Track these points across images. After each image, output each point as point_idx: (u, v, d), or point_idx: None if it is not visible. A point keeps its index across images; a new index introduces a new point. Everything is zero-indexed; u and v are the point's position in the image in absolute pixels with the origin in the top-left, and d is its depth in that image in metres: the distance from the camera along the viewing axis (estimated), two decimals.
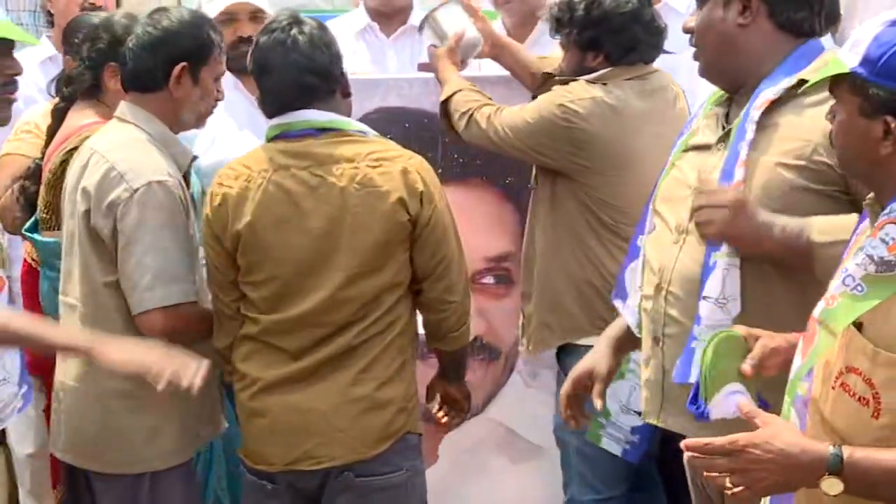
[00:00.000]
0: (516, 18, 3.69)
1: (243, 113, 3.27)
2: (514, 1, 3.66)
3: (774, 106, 2.15)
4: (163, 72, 2.46)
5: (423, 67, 3.32)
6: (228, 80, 3.21)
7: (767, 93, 2.15)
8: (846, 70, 1.65)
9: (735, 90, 2.23)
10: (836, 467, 1.57)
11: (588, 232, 2.88)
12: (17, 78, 2.37)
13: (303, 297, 2.38)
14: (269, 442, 2.42)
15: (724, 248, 2.14)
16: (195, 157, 2.60)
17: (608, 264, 2.84)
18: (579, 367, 2.45)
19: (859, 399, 1.62)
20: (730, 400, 1.87)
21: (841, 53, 1.69)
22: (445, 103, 2.99)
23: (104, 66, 2.75)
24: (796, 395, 1.72)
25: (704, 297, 2.15)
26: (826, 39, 2.96)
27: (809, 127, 2.11)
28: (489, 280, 3.27)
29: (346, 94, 2.49)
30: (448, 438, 3.27)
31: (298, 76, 2.39)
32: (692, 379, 2.12)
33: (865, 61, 1.64)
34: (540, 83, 3.00)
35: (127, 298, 2.40)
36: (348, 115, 2.51)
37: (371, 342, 2.40)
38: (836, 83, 1.70)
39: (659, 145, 2.73)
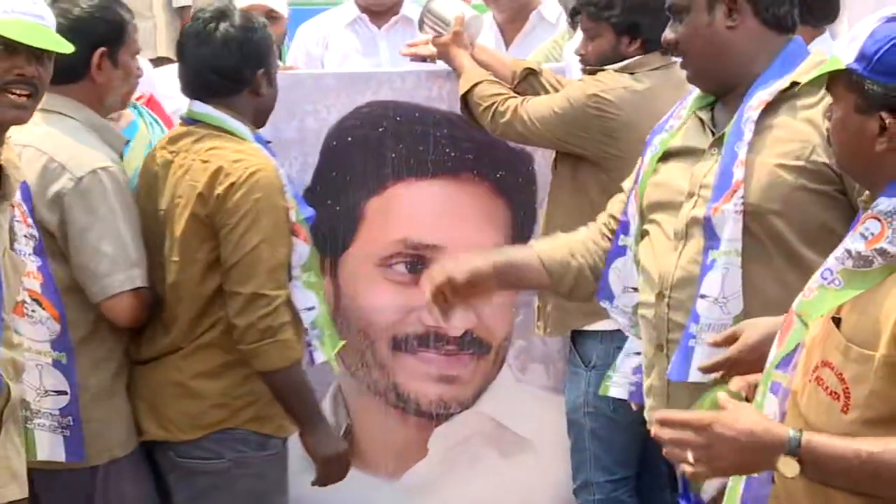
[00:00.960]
0: (507, 14, 3.76)
1: None
2: None
3: (768, 108, 2.16)
4: (82, 60, 2.42)
5: (416, 59, 3.32)
6: None
7: (762, 94, 2.17)
8: (843, 66, 1.64)
9: (725, 93, 2.24)
10: (795, 449, 1.60)
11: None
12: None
13: (159, 281, 2.48)
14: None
15: (723, 246, 2.16)
16: (128, 141, 2.62)
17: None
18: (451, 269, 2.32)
19: (831, 393, 1.64)
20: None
21: (838, 50, 1.69)
22: (465, 96, 3.00)
23: None
24: (774, 383, 1.75)
25: (702, 296, 2.16)
26: (824, 39, 2.99)
27: (806, 128, 2.13)
28: None
29: (257, 94, 2.54)
30: (438, 432, 3.28)
31: (201, 70, 2.50)
32: (691, 378, 2.15)
33: (861, 57, 1.63)
34: (520, 78, 3.02)
35: (87, 289, 2.40)
36: (258, 115, 2.58)
37: (198, 337, 2.47)
38: (834, 80, 1.70)
39: None
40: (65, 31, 2.33)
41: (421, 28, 3.20)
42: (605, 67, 2.86)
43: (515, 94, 2.96)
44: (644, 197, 2.32)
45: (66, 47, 2.23)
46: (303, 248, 2.51)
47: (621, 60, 2.86)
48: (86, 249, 2.38)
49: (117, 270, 2.39)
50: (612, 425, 2.96)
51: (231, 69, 2.48)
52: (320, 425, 2.55)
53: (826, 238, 2.11)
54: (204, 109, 2.50)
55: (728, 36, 2.21)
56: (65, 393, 2.34)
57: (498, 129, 2.95)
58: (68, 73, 2.40)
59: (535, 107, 2.89)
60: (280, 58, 4.12)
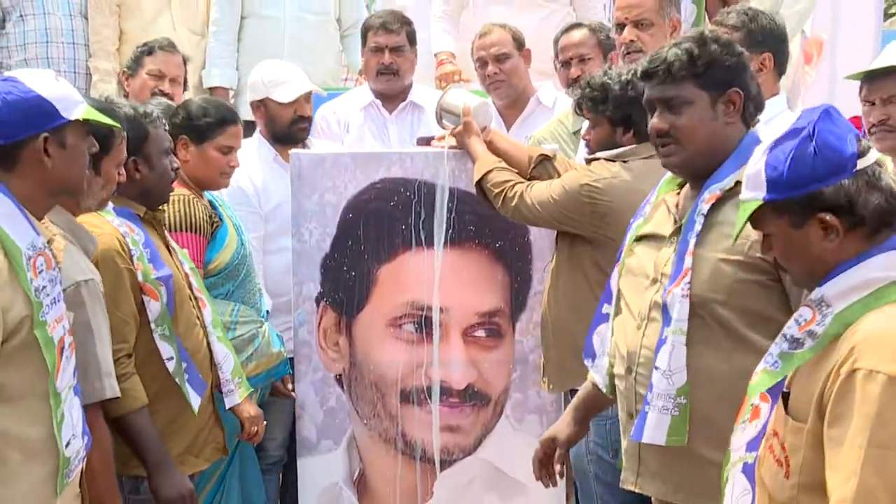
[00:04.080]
0: (506, 101, 3.86)
1: (280, 181, 3.51)
2: (503, 87, 3.83)
3: (717, 203, 2.23)
4: None
5: (421, 142, 3.45)
6: (269, 152, 3.39)
7: (714, 189, 2.23)
8: (759, 203, 1.72)
9: (699, 181, 2.29)
10: None
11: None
12: None
13: None
14: None
15: (672, 325, 2.22)
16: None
17: None
18: (546, 434, 2.66)
19: (777, 460, 1.72)
20: None
21: (744, 195, 1.77)
22: (479, 182, 3.06)
23: (177, 139, 3.00)
24: (744, 464, 1.82)
25: (656, 367, 2.25)
26: (780, 100, 3.04)
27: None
28: (481, 333, 3.30)
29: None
30: (442, 477, 3.33)
31: None
32: (643, 440, 2.27)
33: (773, 186, 1.71)
34: (536, 163, 3.08)
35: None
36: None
37: None
38: (758, 218, 1.75)
39: None
40: None
41: (440, 123, 3.29)
42: (599, 156, 2.93)
43: (523, 180, 3.02)
44: (621, 277, 2.41)
45: (114, 123, 2.31)
46: (154, 306, 2.55)
47: (618, 147, 2.92)
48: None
49: (85, 383, 2.25)
50: (613, 470, 2.89)
51: None
52: (164, 469, 2.52)
53: (765, 321, 2.18)
54: None
55: (726, 132, 2.27)
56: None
57: (509, 213, 3.01)
58: None
59: (537, 192, 2.95)
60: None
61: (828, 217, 1.69)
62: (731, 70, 2.26)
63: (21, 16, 4.39)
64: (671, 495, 2.32)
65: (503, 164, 3.08)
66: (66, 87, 2.17)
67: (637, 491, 2.39)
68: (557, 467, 2.61)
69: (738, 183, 2.17)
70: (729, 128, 2.27)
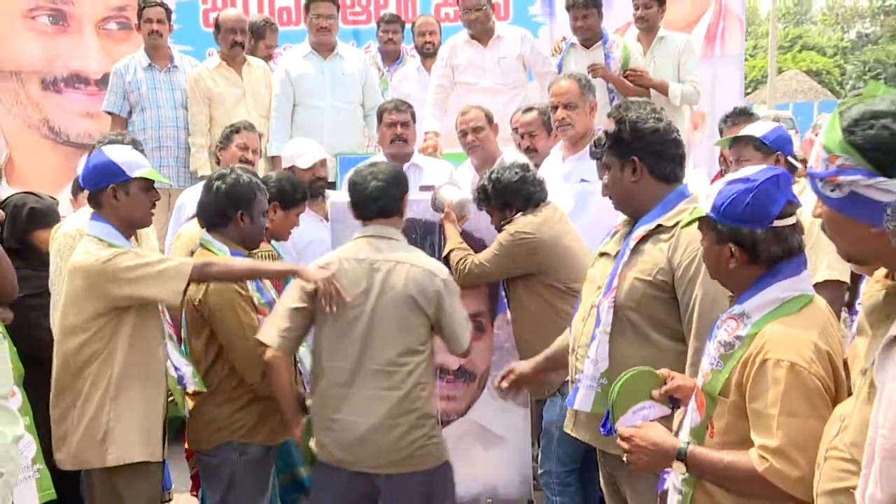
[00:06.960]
0: (480, 161, 4.50)
1: (309, 225, 4.14)
2: (478, 150, 4.48)
3: (642, 239, 2.54)
4: (400, 202, 3.06)
5: (423, 189, 4.09)
6: None
7: (640, 230, 2.55)
8: (704, 213, 2.00)
9: (637, 218, 2.60)
10: (683, 455, 1.94)
11: (557, 299, 3.39)
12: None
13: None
14: None
15: (601, 327, 2.52)
16: None
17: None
18: (508, 366, 3.08)
19: (703, 425, 1.97)
20: (637, 415, 2.14)
21: (702, 201, 2.03)
22: (446, 256, 3.61)
23: (270, 203, 3.49)
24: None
25: (587, 357, 2.58)
26: None
27: (658, 255, 2.50)
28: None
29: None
30: (445, 432, 3.39)
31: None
32: (576, 406, 2.59)
33: (714, 208, 1.96)
34: None
35: (453, 346, 3.08)
36: (245, 240, 3.20)
37: None
38: (701, 222, 2.03)
39: (575, 238, 3.47)
40: (387, 181, 2.99)
41: (433, 207, 3.84)
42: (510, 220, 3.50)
43: (472, 254, 3.54)
44: (585, 282, 2.76)
45: (167, 180, 3.09)
46: (265, 321, 3.06)
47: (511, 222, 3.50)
48: (455, 325, 2.99)
49: (468, 334, 3.05)
50: (568, 436, 3.03)
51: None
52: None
53: (663, 325, 2.49)
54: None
55: (633, 187, 2.54)
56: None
57: (462, 281, 3.42)
58: (393, 211, 3.07)
59: (482, 256, 3.51)
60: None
61: (733, 248, 1.96)
62: (627, 144, 2.54)
63: (142, 108, 5.28)
64: (594, 441, 2.68)
65: (463, 245, 3.65)
66: (135, 156, 2.94)
67: (573, 435, 2.75)
68: (504, 383, 2.99)
69: (659, 226, 2.52)
70: (637, 185, 2.53)
